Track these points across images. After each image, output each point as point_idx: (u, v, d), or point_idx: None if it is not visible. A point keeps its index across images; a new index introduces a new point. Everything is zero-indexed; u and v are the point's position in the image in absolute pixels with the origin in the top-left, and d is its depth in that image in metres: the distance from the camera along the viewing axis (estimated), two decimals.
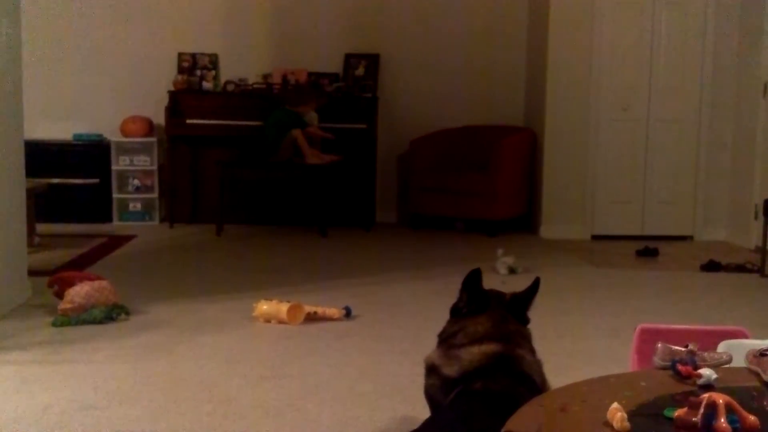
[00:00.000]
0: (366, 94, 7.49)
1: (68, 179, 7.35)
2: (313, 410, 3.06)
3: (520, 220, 7.48)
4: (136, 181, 7.54)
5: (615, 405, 1.66)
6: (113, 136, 7.51)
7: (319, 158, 6.94)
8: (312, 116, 7.11)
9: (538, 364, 2.33)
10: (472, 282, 2.39)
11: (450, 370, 2.27)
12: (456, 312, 2.44)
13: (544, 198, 7.26)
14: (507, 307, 2.40)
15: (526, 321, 2.43)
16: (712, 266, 5.90)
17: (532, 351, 2.35)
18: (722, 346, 2.29)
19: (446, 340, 2.38)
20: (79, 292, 4.22)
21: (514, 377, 2.21)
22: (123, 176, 7.52)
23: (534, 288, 2.43)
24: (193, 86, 7.51)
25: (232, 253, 6.35)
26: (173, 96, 7.36)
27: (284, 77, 7.42)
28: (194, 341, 3.94)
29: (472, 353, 2.26)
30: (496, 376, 2.19)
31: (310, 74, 7.52)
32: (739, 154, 7.08)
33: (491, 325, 2.33)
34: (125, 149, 7.48)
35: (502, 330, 2.32)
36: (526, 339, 2.37)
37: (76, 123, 7.59)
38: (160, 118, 7.40)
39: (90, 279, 4.41)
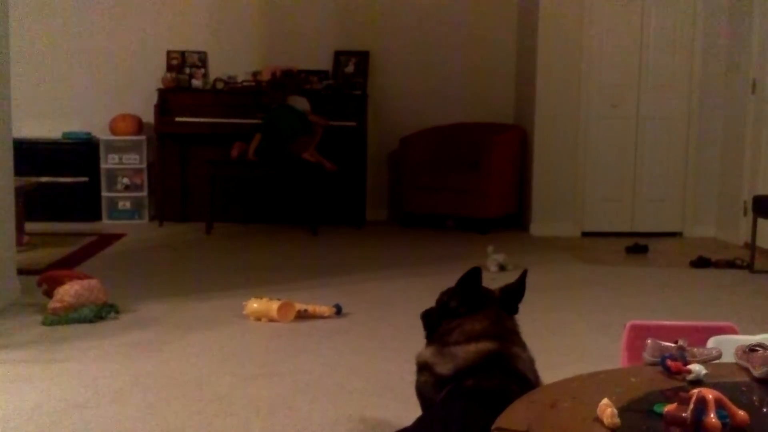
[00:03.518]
0: (356, 92, 7.49)
1: (57, 178, 7.33)
2: (303, 408, 3.05)
3: (510, 217, 7.49)
4: (126, 180, 7.52)
5: (605, 401, 1.66)
6: (102, 134, 7.48)
7: (312, 156, 6.95)
8: (303, 101, 7.12)
9: (531, 362, 2.32)
10: (471, 281, 2.38)
11: (444, 369, 2.26)
12: (448, 311, 2.40)
13: (534, 195, 7.27)
14: (499, 302, 2.40)
15: (515, 311, 2.43)
16: (701, 262, 5.92)
17: (524, 347, 2.35)
18: (712, 342, 2.29)
19: (440, 338, 2.36)
20: (68, 291, 4.20)
21: (507, 375, 2.20)
22: (112, 175, 7.50)
23: (522, 281, 2.43)
24: (183, 84, 7.49)
25: (222, 252, 6.34)
26: (162, 94, 7.34)
27: (273, 75, 7.41)
28: (184, 339, 3.94)
29: (468, 351, 2.25)
30: (488, 374, 2.19)
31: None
32: (728, 151, 7.10)
33: (489, 323, 2.31)
34: (114, 147, 7.46)
35: (498, 328, 2.31)
36: (518, 335, 2.37)
37: (65, 121, 7.57)
38: (149, 116, 7.38)
39: (79, 278, 4.40)
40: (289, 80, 7.20)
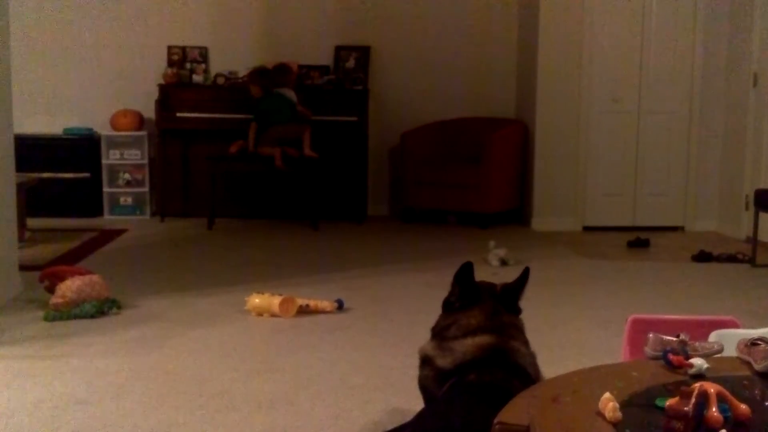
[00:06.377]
0: (357, 87, 7.48)
1: (59, 173, 7.33)
2: (305, 403, 3.06)
3: (511, 212, 7.48)
4: (127, 175, 7.52)
5: (607, 395, 1.67)
6: (103, 130, 7.48)
7: (271, 149, 6.89)
8: (291, 93, 7.10)
9: (532, 356, 2.33)
10: (464, 275, 2.39)
11: (444, 362, 2.27)
12: (448, 306, 2.43)
13: (535, 190, 7.27)
14: (498, 298, 2.40)
15: (518, 311, 2.43)
16: (703, 257, 5.92)
17: (526, 343, 2.36)
18: (713, 336, 2.29)
19: (440, 333, 2.38)
20: (70, 287, 4.20)
21: (508, 369, 2.21)
22: (113, 170, 7.50)
23: (524, 278, 2.43)
24: (183, 79, 7.49)
25: (224, 247, 6.34)
26: (163, 89, 7.33)
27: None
28: (186, 335, 3.94)
29: (466, 345, 2.26)
30: (490, 368, 2.20)
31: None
32: (729, 145, 7.10)
33: (484, 317, 2.33)
34: (116, 143, 7.46)
35: (495, 322, 2.32)
36: (519, 330, 2.37)
37: (66, 117, 7.57)
38: (150, 112, 7.38)
39: (81, 273, 4.40)
40: (269, 72, 7.17)
